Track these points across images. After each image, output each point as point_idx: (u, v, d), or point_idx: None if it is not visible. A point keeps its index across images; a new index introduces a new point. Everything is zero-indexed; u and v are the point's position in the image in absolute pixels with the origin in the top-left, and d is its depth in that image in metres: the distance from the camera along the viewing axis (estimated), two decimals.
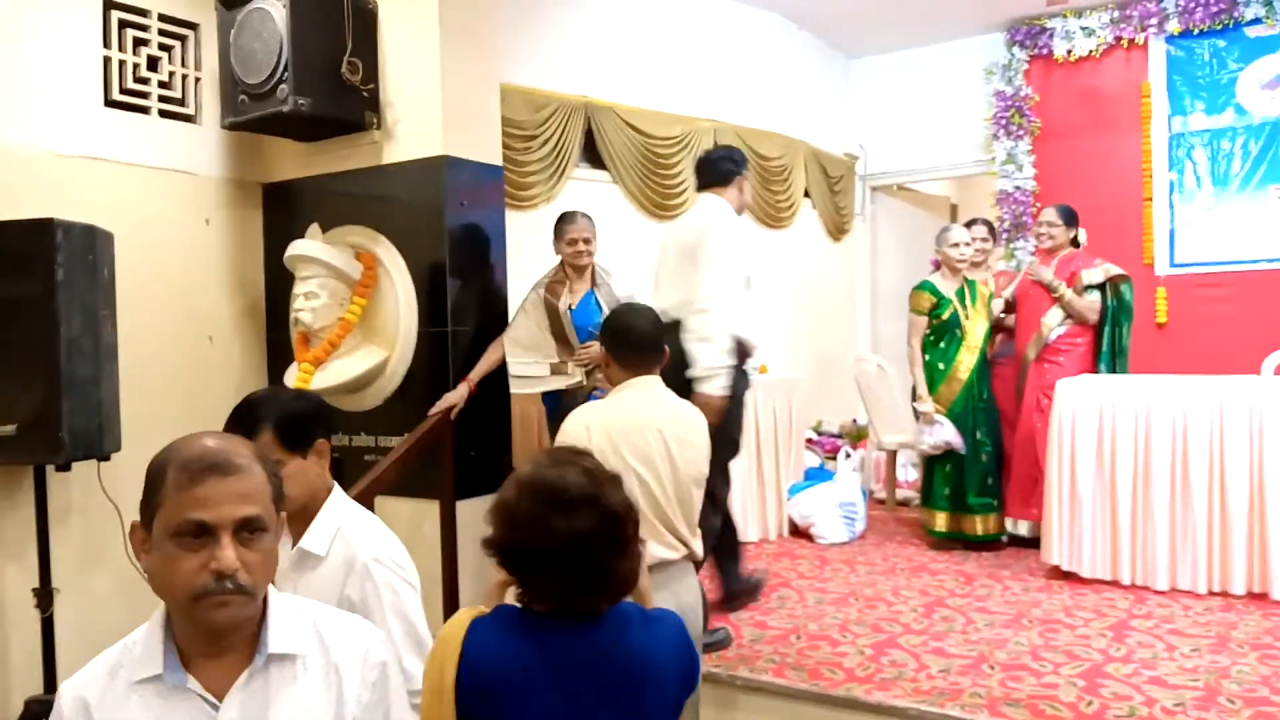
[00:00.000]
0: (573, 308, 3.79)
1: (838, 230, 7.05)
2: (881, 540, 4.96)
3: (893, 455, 5.76)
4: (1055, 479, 4.11)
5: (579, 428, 2.48)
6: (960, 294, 4.75)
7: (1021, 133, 6.71)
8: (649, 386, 2.62)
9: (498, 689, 1.51)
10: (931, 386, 4.70)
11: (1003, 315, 4.89)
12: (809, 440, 5.94)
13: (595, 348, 3.41)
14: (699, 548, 2.61)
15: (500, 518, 1.58)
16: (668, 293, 3.55)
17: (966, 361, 4.69)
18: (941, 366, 4.72)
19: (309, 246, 3.70)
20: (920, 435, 4.71)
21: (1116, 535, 3.96)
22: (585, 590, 1.54)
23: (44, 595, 3.11)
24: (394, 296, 3.76)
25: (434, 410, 3.58)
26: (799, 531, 5.11)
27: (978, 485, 4.65)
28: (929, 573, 4.24)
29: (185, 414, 3.81)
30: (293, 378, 3.78)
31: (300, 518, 1.99)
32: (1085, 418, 4.06)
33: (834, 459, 5.70)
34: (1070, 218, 4.72)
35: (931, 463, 4.74)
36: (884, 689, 2.89)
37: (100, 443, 3.10)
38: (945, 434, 4.60)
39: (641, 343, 2.64)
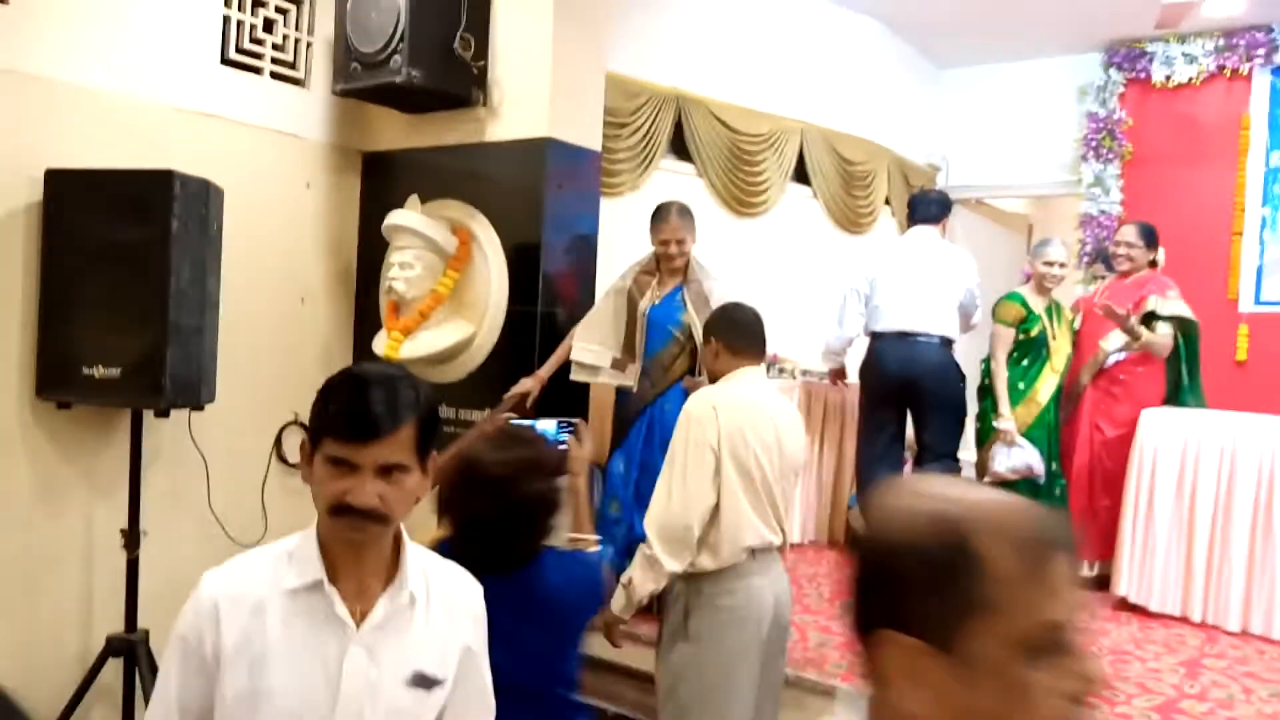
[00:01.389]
0: (656, 303, 3.67)
1: None
2: None
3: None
4: (1131, 510, 4.05)
5: (705, 408, 2.51)
6: (1049, 312, 4.50)
7: (1112, 156, 6.59)
8: (759, 376, 2.67)
9: None
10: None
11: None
12: None
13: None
14: (790, 538, 2.66)
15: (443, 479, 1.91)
16: (930, 311, 4.22)
17: (1048, 384, 4.42)
18: (1021, 386, 4.42)
19: (407, 217, 3.74)
20: (996, 457, 4.36)
21: (1191, 571, 3.90)
22: (487, 558, 1.84)
23: (132, 536, 3.19)
24: (486, 273, 3.80)
25: (507, 396, 3.60)
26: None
27: None
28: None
29: (275, 371, 3.92)
30: (382, 345, 3.83)
31: None
32: (1167, 450, 4.00)
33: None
34: (1151, 238, 4.52)
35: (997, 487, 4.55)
36: None
37: (198, 392, 3.17)
38: (1028, 457, 4.29)
39: (756, 332, 2.71)
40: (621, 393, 3.80)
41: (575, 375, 3.68)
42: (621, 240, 4.66)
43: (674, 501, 2.48)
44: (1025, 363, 4.44)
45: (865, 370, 4.59)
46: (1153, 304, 4.34)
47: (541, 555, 1.97)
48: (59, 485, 3.27)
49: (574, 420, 2.46)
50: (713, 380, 2.70)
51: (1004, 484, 4.33)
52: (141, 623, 3.15)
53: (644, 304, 3.65)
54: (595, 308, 3.77)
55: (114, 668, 3.16)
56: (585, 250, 3.93)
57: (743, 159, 5.49)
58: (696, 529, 2.46)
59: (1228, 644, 3.64)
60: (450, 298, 3.80)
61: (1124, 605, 4.01)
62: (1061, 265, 4.54)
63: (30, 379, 3.14)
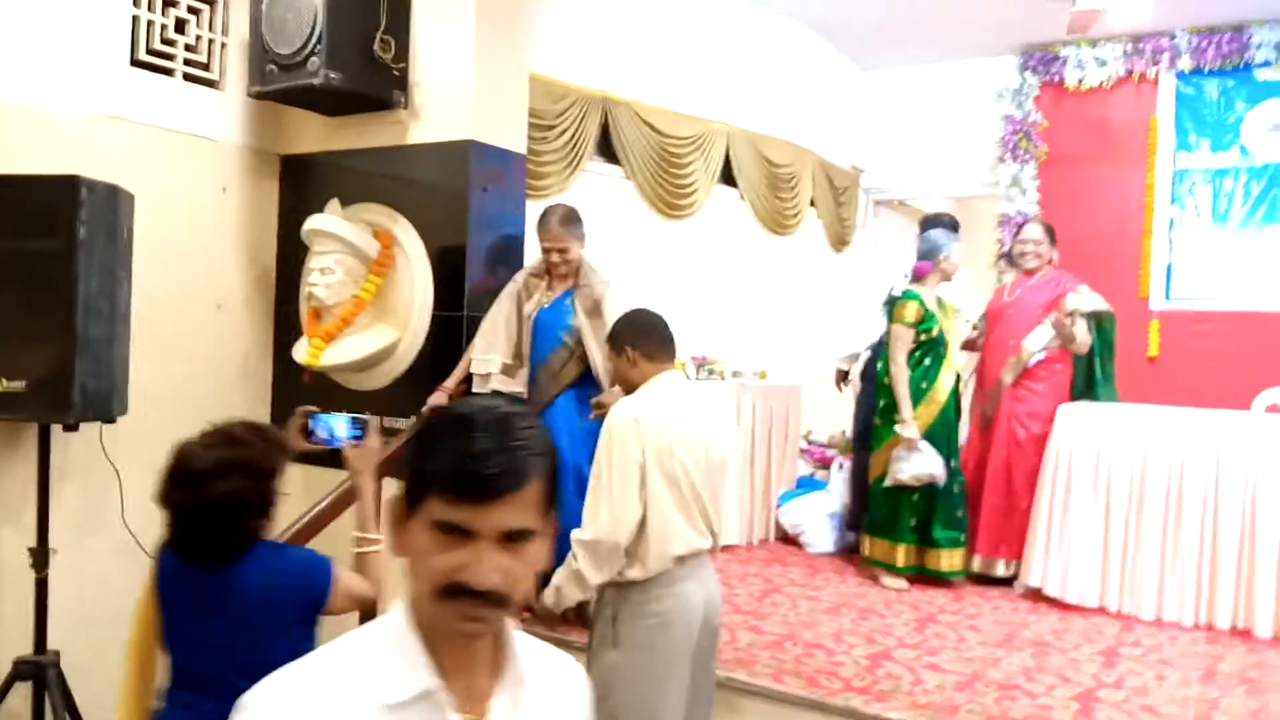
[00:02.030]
0: (544, 306, 3.57)
1: (840, 241, 7.08)
2: None
3: None
4: (1047, 502, 4.15)
5: (627, 421, 2.48)
6: (941, 306, 4.39)
7: (1028, 157, 6.75)
8: (679, 380, 2.66)
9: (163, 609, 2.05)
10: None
11: (974, 337, 4.78)
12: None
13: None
14: (719, 539, 2.66)
15: None
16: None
17: (946, 381, 4.32)
18: (924, 386, 4.28)
19: (328, 221, 3.68)
20: (899, 462, 4.17)
21: (1107, 562, 4.01)
22: (187, 549, 1.98)
23: (40, 555, 3.07)
24: (409, 277, 3.75)
25: (425, 410, 3.55)
26: (788, 538, 5.14)
27: (946, 518, 4.25)
28: (919, 588, 4.26)
29: (191, 381, 3.81)
30: (302, 352, 3.76)
31: None
32: (1082, 444, 4.11)
33: (824, 469, 5.74)
34: (1053, 235, 4.60)
35: (897, 491, 4.24)
36: (881, 700, 2.92)
37: (109, 405, 3.07)
38: (929, 465, 4.13)
39: (667, 334, 2.69)
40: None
41: (475, 386, 3.57)
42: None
43: (601, 517, 2.46)
44: (927, 361, 4.32)
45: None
46: (1072, 302, 4.40)
47: (251, 551, 2.00)
48: None
49: (364, 417, 2.40)
50: (629, 390, 2.67)
51: (901, 489, 4.24)
52: (52, 644, 3.03)
53: (529, 307, 3.57)
54: (490, 312, 3.65)
55: (22, 692, 3.04)
56: (511, 253, 3.90)
57: (670, 161, 5.50)
58: (624, 543, 2.45)
59: (1143, 632, 3.75)
60: (373, 303, 3.75)
61: (1039, 597, 4.10)
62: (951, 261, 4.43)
63: None
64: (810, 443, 6.31)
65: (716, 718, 2.98)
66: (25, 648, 3.07)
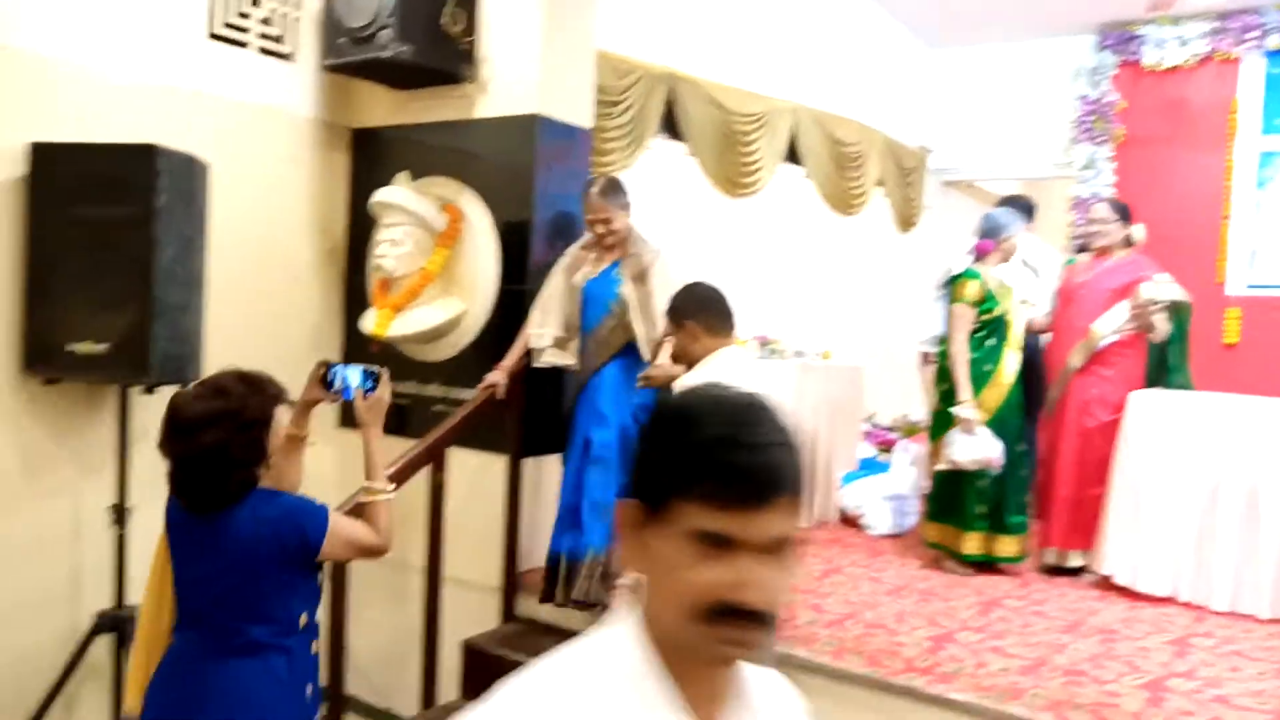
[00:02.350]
0: (593, 276, 3.56)
1: (906, 222, 6.97)
2: None
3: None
4: (1119, 491, 4.05)
5: None
6: (1000, 289, 4.24)
7: (1103, 139, 6.58)
8: (739, 354, 2.64)
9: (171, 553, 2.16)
10: (973, 390, 4.10)
11: (1039, 320, 4.58)
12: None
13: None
14: None
15: None
16: None
17: (1011, 363, 4.17)
18: (988, 368, 4.13)
19: (397, 194, 3.71)
20: (955, 444, 4.03)
21: (1180, 552, 3.90)
22: (185, 497, 2.07)
23: (119, 512, 3.18)
24: (475, 251, 3.78)
25: (480, 387, 3.57)
26: (848, 520, 5.09)
27: (1016, 503, 4.16)
28: (984, 573, 4.19)
29: (262, 350, 3.86)
30: (370, 323, 3.81)
31: None
32: (1157, 431, 4.00)
33: (887, 451, 5.68)
34: (1123, 212, 4.39)
35: (959, 476, 4.10)
36: (944, 681, 2.88)
37: (185, 369, 3.14)
38: (985, 449, 3.99)
39: (727, 308, 2.67)
40: (567, 375, 3.70)
41: (533, 360, 3.62)
42: None
43: None
44: (990, 342, 4.18)
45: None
46: (1146, 291, 4.23)
47: (245, 498, 2.07)
48: (47, 462, 3.25)
49: (375, 369, 2.42)
50: (690, 364, 2.66)
51: (957, 472, 4.09)
52: (131, 599, 3.13)
53: (579, 277, 3.58)
54: (544, 287, 3.65)
55: (103, 644, 3.15)
56: (575, 228, 3.89)
57: (735, 140, 5.45)
58: None
59: (1215, 624, 3.65)
60: (440, 275, 3.78)
61: (1109, 585, 4.01)
62: (1012, 240, 4.31)
63: (17, 354, 3.12)
64: (873, 426, 6.25)
65: None
66: (106, 602, 3.18)
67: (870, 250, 6.57)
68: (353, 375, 2.37)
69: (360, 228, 4.08)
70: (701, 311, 2.68)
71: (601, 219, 3.47)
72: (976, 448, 4.01)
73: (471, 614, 3.63)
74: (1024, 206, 5.07)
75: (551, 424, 3.79)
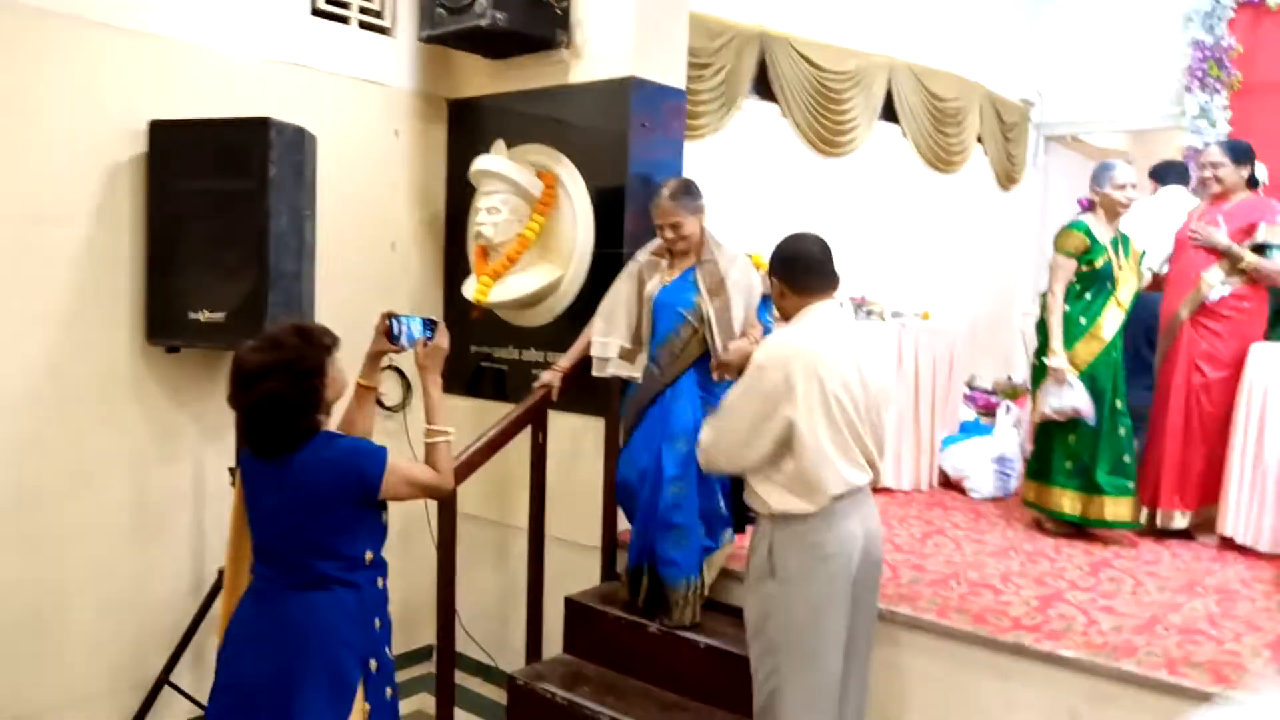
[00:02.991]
0: (666, 284, 3.37)
1: (1008, 179, 6.78)
2: None
3: None
4: (1239, 449, 3.89)
5: (778, 356, 2.47)
6: (1115, 243, 4.06)
7: (1218, 86, 6.27)
8: (832, 310, 2.61)
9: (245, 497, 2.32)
10: (1067, 343, 4.00)
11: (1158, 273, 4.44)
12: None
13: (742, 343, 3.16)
14: (881, 473, 2.63)
15: None
16: None
17: (1112, 319, 4.02)
18: (1083, 321, 4.02)
19: (494, 162, 3.77)
20: (1045, 397, 4.00)
21: None
22: (252, 443, 2.22)
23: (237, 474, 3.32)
24: (571, 216, 3.81)
25: (536, 386, 3.52)
26: (949, 484, 5.01)
27: (1111, 462, 3.99)
28: (1092, 534, 4.09)
29: (368, 317, 3.99)
30: (471, 290, 3.89)
31: None
32: (1278, 386, 3.83)
33: (989, 415, 5.56)
34: (1240, 154, 4.13)
35: (1050, 430, 4.07)
36: (1053, 639, 2.83)
37: None
38: (1076, 399, 3.92)
39: (818, 265, 2.62)
40: (631, 386, 3.52)
41: (594, 370, 3.49)
42: (706, 185, 4.61)
43: (721, 442, 2.57)
44: (1088, 296, 4.04)
45: None
46: (1263, 234, 4.01)
47: (307, 443, 2.19)
48: (171, 427, 3.42)
49: (435, 319, 2.52)
50: (786, 320, 2.65)
51: (1049, 425, 4.06)
52: None
53: (651, 287, 3.38)
54: (609, 293, 3.53)
55: None
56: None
57: (828, 97, 5.37)
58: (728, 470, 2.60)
59: None
60: (536, 242, 3.83)
61: (1230, 545, 3.87)
62: (1133, 187, 4.06)
63: (140, 324, 3.28)
64: (973, 388, 6.13)
65: (879, 651, 2.97)
66: None
67: (970, 209, 6.41)
68: (414, 325, 2.47)
69: (458, 197, 4.16)
70: (787, 267, 2.63)
71: (671, 223, 3.27)
72: (1067, 398, 3.94)
73: (573, 572, 3.71)
74: (1179, 171, 4.95)
75: None
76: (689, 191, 3.29)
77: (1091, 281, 4.05)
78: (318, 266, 3.45)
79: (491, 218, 3.75)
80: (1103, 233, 4.07)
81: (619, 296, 3.47)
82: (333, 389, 2.26)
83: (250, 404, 2.16)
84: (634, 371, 3.43)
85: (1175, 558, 3.81)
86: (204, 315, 3.14)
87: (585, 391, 3.63)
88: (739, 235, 4.90)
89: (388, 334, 2.46)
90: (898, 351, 4.86)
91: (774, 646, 2.56)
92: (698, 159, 4.50)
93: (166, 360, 3.34)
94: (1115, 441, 4.03)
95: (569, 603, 3.58)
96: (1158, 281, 4.47)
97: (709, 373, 3.27)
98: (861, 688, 2.67)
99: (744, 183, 5.08)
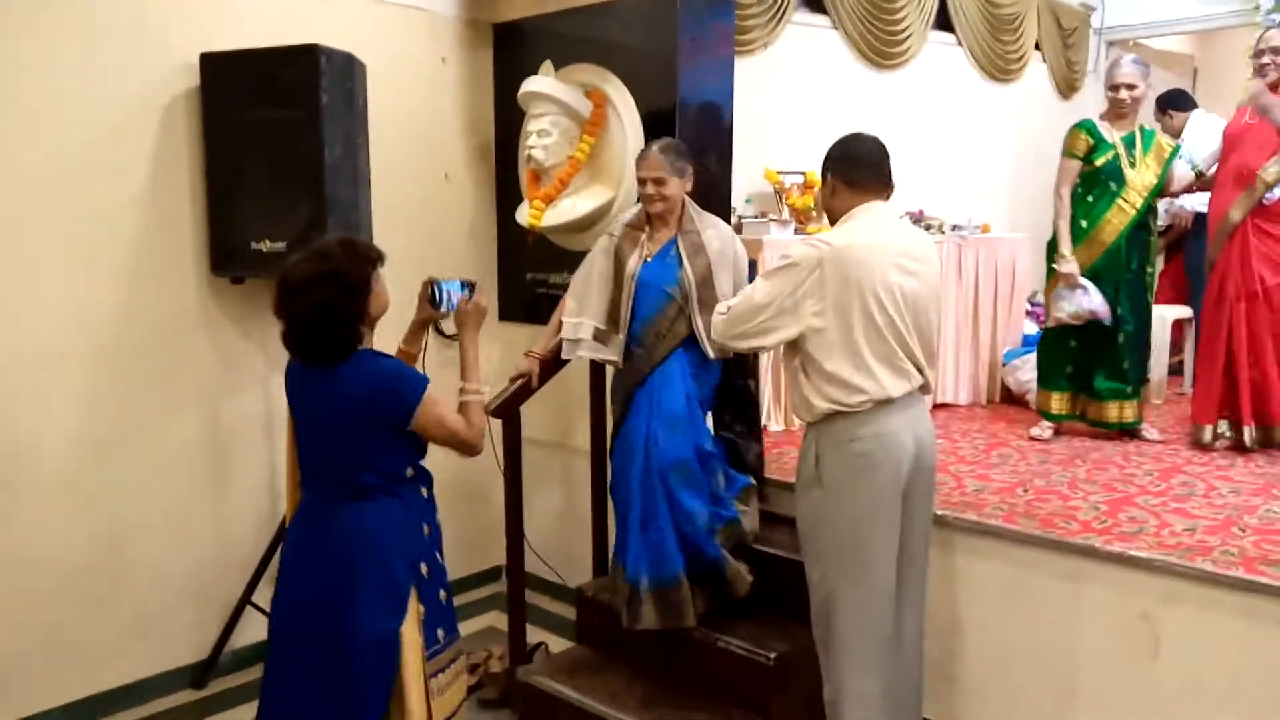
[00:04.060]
0: (648, 260, 3.14)
1: (1068, 87, 6.55)
2: None
3: None
4: None
5: (811, 254, 2.43)
6: (1129, 140, 3.95)
7: None
8: (880, 211, 2.55)
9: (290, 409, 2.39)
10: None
11: (1202, 172, 4.19)
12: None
13: None
14: (932, 379, 2.58)
15: None
16: None
17: (1115, 222, 3.93)
18: (1084, 224, 3.97)
19: (542, 83, 3.73)
20: (1059, 300, 3.97)
21: None
22: (299, 352, 2.27)
23: None
24: (621, 135, 3.77)
25: (512, 378, 3.32)
26: (1012, 398, 4.95)
27: (1109, 368, 4.00)
28: (1161, 442, 4.02)
29: (424, 247, 4.03)
30: (524, 215, 3.88)
31: None
32: None
33: None
34: None
35: (1055, 335, 4.09)
36: (1124, 541, 2.80)
37: None
38: (1092, 301, 3.89)
39: (877, 163, 2.57)
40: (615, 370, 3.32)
41: (564, 351, 3.30)
42: (755, 102, 4.54)
43: (738, 324, 2.55)
44: (1090, 199, 3.97)
45: None
46: None
47: (350, 358, 2.23)
48: (239, 357, 3.49)
49: (472, 280, 2.57)
50: (832, 222, 2.60)
51: (1052, 332, 4.10)
52: None
53: (632, 264, 3.14)
54: (581, 270, 3.33)
55: None
56: (720, 107, 3.84)
57: (881, 7, 5.21)
58: (756, 344, 2.57)
59: None
60: (587, 163, 3.80)
61: None
62: (1130, 88, 3.93)
63: (204, 257, 3.34)
64: (1035, 304, 6.01)
65: (946, 558, 2.98)
66: None
67: (1029, 119, 6.21)
68: (453, 290, 2.52)
69: (508, 123, 4.14)
70: (841, 163, 2.57)
71: (655, 177, 3.05)
72: (1082, 301, 3.92)
73: None
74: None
75: None
76: (680, 153, 3.10)
77: (1094, 183, 3.97)
78: (373, 200, 3.46)
79: (541, 140, 3.73)
80: (1110, 130, 3.97)
81: (592, 274, 3.25)
82: (376, 303, 2.30)
83: (297, 310, 2.20)
84: (608, 354, 3.22)
85: (1249, 461, 3.73)
86: (265, 245, 3.18)
87: None
88: (790, 155, 4.85)
89: (431, 300, 2.51)
90: (957, 265, 4.79)
91: (825, 554, 2.56)
92: (747, 75, 4.42)
93: (232, 291, 3.40)
94: (1114, 348, 4.00)
95: None
96: (1204, 183, 4.23)
97: (699, 355, 3.08)
98: (920, 594, 2.66)
99: (795, 100, 4.98)
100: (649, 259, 3.14)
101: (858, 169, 2.55)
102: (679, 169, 3.07)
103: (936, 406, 4.47)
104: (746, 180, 4.58)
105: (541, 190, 3.84)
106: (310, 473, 2.33)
